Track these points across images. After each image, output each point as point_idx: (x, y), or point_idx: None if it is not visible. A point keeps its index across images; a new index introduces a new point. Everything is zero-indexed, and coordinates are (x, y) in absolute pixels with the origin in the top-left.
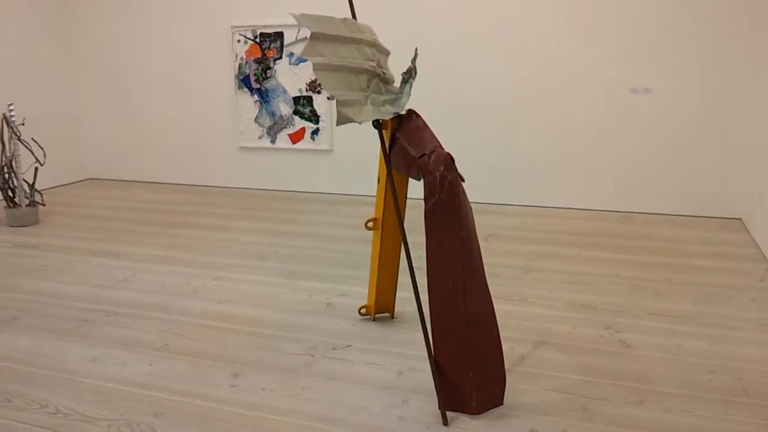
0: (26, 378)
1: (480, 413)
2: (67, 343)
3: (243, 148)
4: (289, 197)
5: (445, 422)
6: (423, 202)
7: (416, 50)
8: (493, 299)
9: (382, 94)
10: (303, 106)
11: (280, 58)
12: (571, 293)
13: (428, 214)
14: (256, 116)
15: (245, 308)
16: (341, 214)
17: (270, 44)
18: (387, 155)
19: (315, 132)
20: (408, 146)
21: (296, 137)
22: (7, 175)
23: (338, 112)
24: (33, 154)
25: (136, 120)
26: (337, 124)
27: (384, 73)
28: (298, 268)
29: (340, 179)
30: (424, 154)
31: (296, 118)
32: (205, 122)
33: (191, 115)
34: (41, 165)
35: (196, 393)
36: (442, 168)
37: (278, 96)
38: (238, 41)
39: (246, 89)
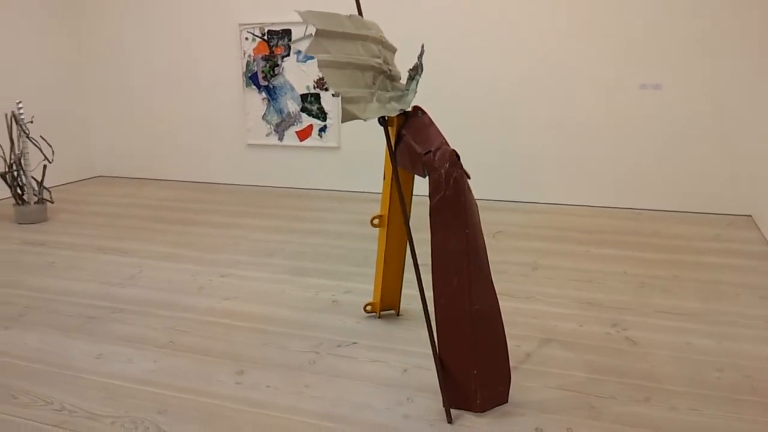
0: (32, 374)
1: (485, 411)
2: (73, 340)
3: (251, 146)
4: (296, 194)
5: (450, 420)
6: (428, 199)
7: (422, 47)
8: (499, 296)
9: (388, 90)
10: (311, 103)
11: (288, 55)
12: (578, 290)
13: (433, 211)
14: (264, 113)
15: (251, 305)
16: (349, 211)
17: (278, 41)
18: (392, 152)
19: (323, 129)
20: (413, 143)
21: (304, 134)
22: (16, 173)
23: (343, 109)
24: (42, 151)
25: (145, 117)
26: (342, 121)
27: (390, 70)
28: (304, 265)
29: (348, 176)
30: (430, 151)
31: (304, 115)
32: (214, 119)
33: (199, 113)
34: (50, 162)
35: (200, 390)
36: (447, 165)
37: (286, 93)
38: (246, 39)
39: (254, 86)
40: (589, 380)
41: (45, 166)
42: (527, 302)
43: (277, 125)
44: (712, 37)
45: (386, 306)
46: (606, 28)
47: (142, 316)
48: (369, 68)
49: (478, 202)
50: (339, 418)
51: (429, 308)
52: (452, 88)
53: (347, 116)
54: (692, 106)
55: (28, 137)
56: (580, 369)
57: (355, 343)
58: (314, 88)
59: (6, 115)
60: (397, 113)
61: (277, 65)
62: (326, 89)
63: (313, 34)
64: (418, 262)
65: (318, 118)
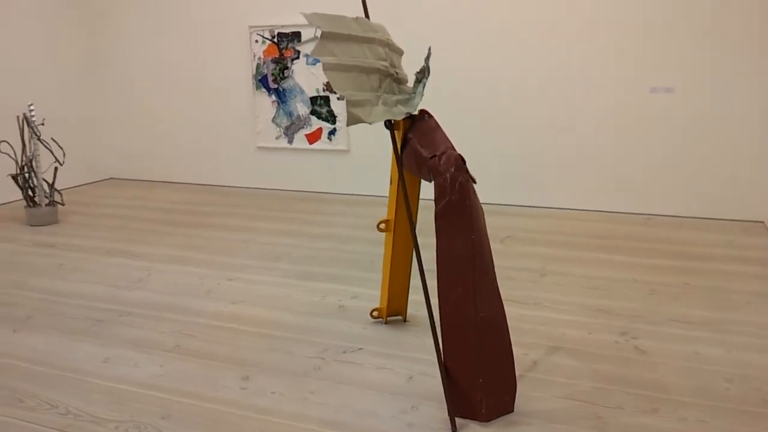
0: (38, 378)
1: (490, 420)
2: (80, 343)
3: (260, 148)
4: (306, 197)
5: (454, 429)
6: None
7: (429, 49)
8: (507, 303)
9: (394, 93)
10: (320, 106)
11: (298, 58)
12: (587, 297)
13: (439, 216)
14: (274, 116)
15: (258, 309)
16: (358, 215)
17: (287, 44)
18: (398, 156)
19: (332, 132)
20: (420, 147)
21: (313, 137)
22: (27, 175)
23: (348, 113)
24: (53, 153)
25: (156, 120)
26: (348, 125)
27: (397, 73)
28: (312, 269)
29: (357, 180)
30: (435, 155)
31: (313, 118)
32: (224, 122)
33: (210, 116)
34: (61, 165)
35: (205, 395)
36: (452, 169)
37: (295, 96)
38: (256, 41)
39: (264, 89)
40: (596, 390)
41: (56, 169)
42: (535, 309)
43: (287, 128)
44: (726, 40)
45: (393, 312)
46: (617, 30)
47: (150, 319)
48: (375, 71)
49: (486, 207)
50: (342, 425)
51: (434, 315)
52: (460, 91)
53: (352, 119)
54: (704, 109)
55: (39, 139)
56: (588, 378)
57: (360, 349)
58: (323, 91)
59: (18, 117)
60: (404, 117)
61: (287, 68)
62: (334, 92)
63: (319, 36)
64: (425, 267)
65: (327, 121)
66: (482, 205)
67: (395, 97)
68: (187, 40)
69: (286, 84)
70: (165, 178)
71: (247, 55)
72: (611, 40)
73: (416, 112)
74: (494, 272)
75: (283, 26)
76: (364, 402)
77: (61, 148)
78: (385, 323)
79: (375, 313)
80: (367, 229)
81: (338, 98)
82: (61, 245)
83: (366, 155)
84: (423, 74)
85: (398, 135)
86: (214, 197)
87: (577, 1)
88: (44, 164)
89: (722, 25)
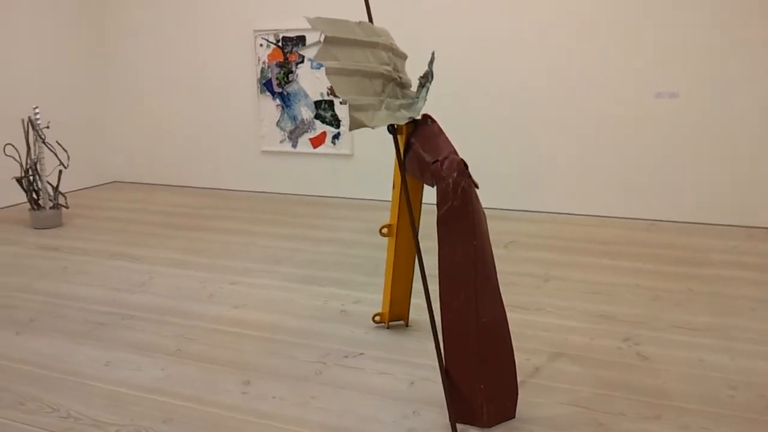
0: (40, 381)
1: (491, 426)
2: (82, 347)
3: (265, 152)
4: (309, 201)
5: None
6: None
7: (433, 54)
8: (510, 308)
9: (398, 98)
10: (324, 110)
11: (302, 62)
12: (590, 303)
13: (441, 221)
14: (278, 120)
15: (260, 313)
16: (361, 219)
17: (292, 48)
18: (401, 160)
19: (336, 136)
20: (422, 152)
21: (317, 141)
22: (31, 178)
23: (351, 117)
24: (57, 156)
25: (160, 123)
26: (350, 129)
27: (400, 77)
28: (315, 273)
29: (361, 184)
30: (437, 160)
31: (317, 122)
32: (228, 126)
33: (214, 119)
34: (65, 168)
35: (206, 399)
36: (455, 174)
37: (300, 100)
38: (261, 45)
39: (268, 93)
40: (598, 396)
41: (60, 172)
42: (538, 314)
43: (291, 132)
44: (730, 45)
45: (395, 316)
46: (621, 35)
47: (152, 323)
48: (378, 76)
49: (489, 212)
50: (343, 431)
51: (436, 321)
52: (463, 95)
53: (354, 124)
54: (709, 115)
55: (44, 142)
56: (590, 384)
57: (362, 354)
58: (328, 95)
59: (23, 120)
60: (406, 121)
61: (291, 72)
62: (338, 96)
63: (322, 41)
64: (427, 272)
65: (331, 125)
66: (485, 210)
67: (398, 102)
68: (193, 44)
69: (290, 88)
70: (169, 181)
71: (251, 59)
72: (615, 44)
73: (419, 117)
74: (496, 278)
75: (287, 30)
76: (366, 407)
77: (66, 151)
78: (387, 328)
79: (377, 318)
80: (370, 233)
81: (341, 102)
82: (65, 248)
83: (370, 159)
84: (426, 79)
85: (401, 139)
86: (218, 200)
87: (581, 6)
88: (49, 167)
89: (727, 30)
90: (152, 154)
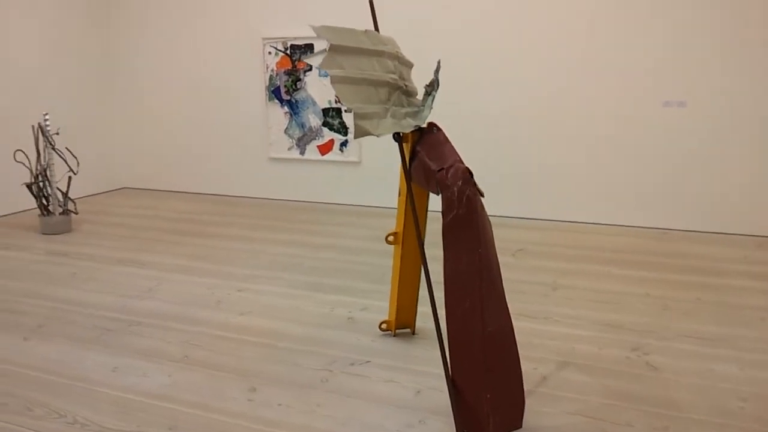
0: (48, 386)
1: None
2: (90, 352)
3: (273, 159)
4: (317, 208)
5: None
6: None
7: (439, 62)
8: (517, 317)
9: (403, 106)
10: (332, 117)
11: (310, 69)
12: (598, 312)
13: (446, 230)
14: (286, 127)
15: (267, 320)
16: (368, 227)
17: (300, 56)
18: (407, 169)
19: (344, 144)
20: (428, 160)
21: (325, 149)
22: (41, 184)
23: (356, 125)
24: (67, 163)
25: (169, 130)
26: (355, 137)
27: (406, 86)
28: (322, 280)
29: (369, 191)
30: (443, 169)
31: (325, 129)
32: (236, 133)
33: (223, 126)
34: (74, 174)
35: (212, 406)
36: (460, 183)
37: (308, 107)
38: (269, 53)
39: (276, 100)
40: (606, 406)
41: (70, 178)
42: (545, 323)
43: (299, 139)
44: (739, 54)
45: (401, 324)
46: (631, 44)
47: (159, 329)
48: (384, 84)
49: (497, 220)
50: None
51: (442, 330)
52: (470, 104)
53: (359, 132)
54: (719, 123)
55: (53, 149)
56: (598, 394)
57: (368, 361)
58: (335, 102)
59: (33, 126)
60: (412, 129)
61: (300, 80)
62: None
63: (327, 49)
64: (433, 280)
65: (339, 132)
66: (493, 218)
67: (404, 110)
68: (201, 52)
69: (298, 95)
70: (178, 188)
71: (260, 67)
72: (624, 54)
73: (425, 125)
74: (502, 286)
75: (295, 38)
76: (372, 415)
77: (75, 158)
78: (394, 336)
79: (383, 326)
80: (377, 240)
81: (346, 110)
82: (74, 254)
83: (377, 167)
84: (432, 87)
85: (407, 148)
86: (226, 207)
87: (590, 15)
88: (58, 173)
89: (736, 39)
90: (161, 161)
